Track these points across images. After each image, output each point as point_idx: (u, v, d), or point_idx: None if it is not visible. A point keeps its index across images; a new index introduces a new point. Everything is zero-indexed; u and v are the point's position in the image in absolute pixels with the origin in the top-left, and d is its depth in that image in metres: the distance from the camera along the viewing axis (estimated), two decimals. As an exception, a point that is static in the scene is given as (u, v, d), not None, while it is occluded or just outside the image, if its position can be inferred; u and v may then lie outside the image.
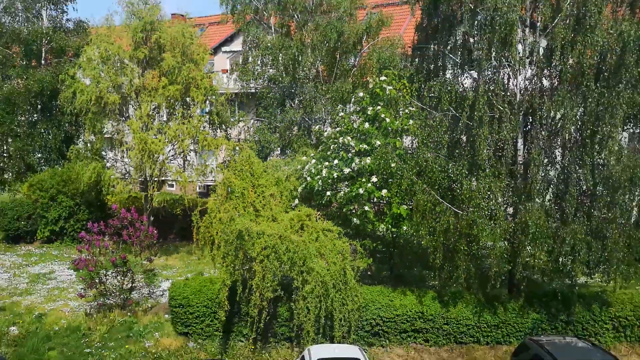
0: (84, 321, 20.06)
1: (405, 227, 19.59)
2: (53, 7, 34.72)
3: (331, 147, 21.07)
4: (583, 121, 17.66)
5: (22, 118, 33.37)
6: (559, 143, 18.34)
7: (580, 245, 17.01)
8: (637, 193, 17.53)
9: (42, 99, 33.22)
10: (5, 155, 33.42)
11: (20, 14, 33.88)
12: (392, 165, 18.65)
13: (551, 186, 18.64)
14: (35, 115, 33.84)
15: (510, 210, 18.68)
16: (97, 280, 20.19)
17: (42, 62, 34.29)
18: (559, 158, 18.60)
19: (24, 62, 34.09)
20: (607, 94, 17.06)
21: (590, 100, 17.13)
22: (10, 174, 33.77)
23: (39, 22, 34.07)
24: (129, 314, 20.35)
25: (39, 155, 33.64)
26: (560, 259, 17.54)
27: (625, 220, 17.32)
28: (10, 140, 33.20)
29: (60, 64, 32.94)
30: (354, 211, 19.98)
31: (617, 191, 17.09)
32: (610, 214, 17.38)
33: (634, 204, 17.50)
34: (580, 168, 17.58)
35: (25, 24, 33.60)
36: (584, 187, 17.91)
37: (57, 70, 32.15)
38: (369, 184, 19.35)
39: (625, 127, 18.38)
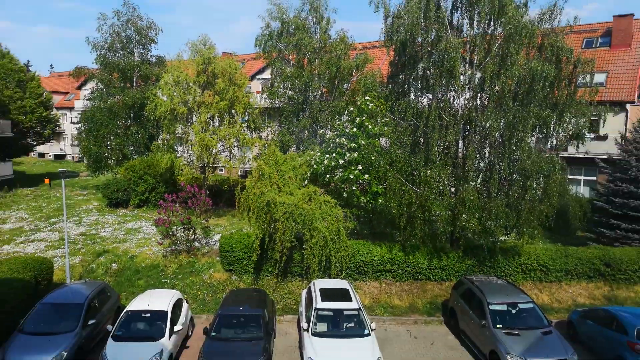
0: (162, 261, 19.87)
1: (380, 200, 19.42)
2: (141, 47, 34.16)
3: (331, 145, 20.85)
4: (504, 129, 17.35)
5: (120, 123, 33.05)
6: (487, 144, 18.01)
7: (501, 214, 16.77)
8: (540, 179, 17.18)
9: (133, 110, 32.87)
10: (109, 148, 33.12)
11: (119, 51, 33.35)
12: (372, 157, 18.49)
13: (481, 173, 18.32)
14: (129, 120, 33.47)
15: (453, 189, 18.37)
16: (170, 233, 19.97)
17: (134, 84, 33.86)
18: (487, 154, 18.26)
19: (122, 85, 33.65)
20: (521, 110, 16.79)
21: (509, 114, 16.85)
22: (113, 161, 33.53)
23: (132, 57, 33.56)
24: (192, 256, 20.13)
25: (132, 148, 33.35)
26: (487, 224, 17.24)
27: (532, 197, 16.97)
28: (112, 137, 32.90)
29: (146, 86, 32.52)
30: (345, 189, 19.81)
31: (528, 178, 16.75)
32: (521, 193, 17.07)
33: (538, 186, 17.14)
34: (501, 161, 17.25)
35: (123, 59, 33.10)
36: (504, 175, 17.56)
37: (144, 90, 31.76)
38: (356, 171, 19.18)
39: (533, 134, 17.99)
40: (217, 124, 27.92)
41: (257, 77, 42.55)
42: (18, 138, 40.55)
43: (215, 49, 27.65)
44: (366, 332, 13.37)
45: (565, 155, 22.58)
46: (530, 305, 14.36)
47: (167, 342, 12.80)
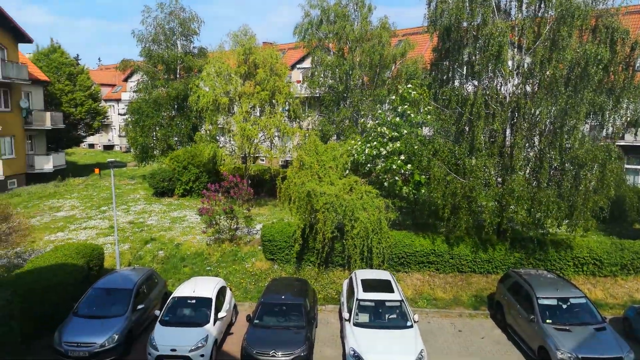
0: (205, 249, 20.35)
1: (423, 191, 19.12)
2: (184, 39, 34.83)
3: (372, 134, 20.63)
4: (555, 116, 16.67)
5: (165, 114, 33.88)
6: (536, 132, 17.37)
7: (552, 206, 16.20)
8: (594, 169, 16.40)
9: (177, 101, 33.65)
10: (154, 138, 34.08)
11: (162, 44, 34.10)
12: (415, 147, 18.20)
13: (530, 163, 17.69)
14: (173, 112, 34.30)
15: (500, 179, 17.85)
16: (213, 222, 20.41)
17: (177, 76, 34.65)
18: (536, 143, 17.61)
19: (166, 77, 34.50)
20: (574, 96, 16.08)
21: (561, 100, 16.16)
22: (158, 151, 34.50)
23: (175, 49, 34.28)
24: (234, 245, 20.52)
25: (176, 138, 34.20)
26: (537, 215, 16.67)
27: (585, 188, 16.25)
28: (157, 128, 33.80)
29: (189, 77, 33.20)
30: (387, 179, 19.60)
31: (582, 167, 16.06)
32: (574, 183, 16.39)
33: (592, 176, 16.38)
34: (552, 150, 16.59)
35: (166, 50, 33.85)
36: (555, 164, 16.90)
37: (187, 81, 32.42)
38: (399, 161, 18.92)
39: (586, 121, 17.19)
40: (258, 114, 28.20)
41: (297, 66, 42.62)
42: (69, 129, 42.52)
43: (256, 39, 27.85)
44: (409, 323, 13.26)
45: (622, 143, 21.51)
46: (583, 301, 13.80)
47: (211, 328, 13.14)
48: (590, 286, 17.40)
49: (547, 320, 13.12)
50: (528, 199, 16.38)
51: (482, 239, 18.26)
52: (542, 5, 16.92)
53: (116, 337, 12.75)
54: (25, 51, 41.71)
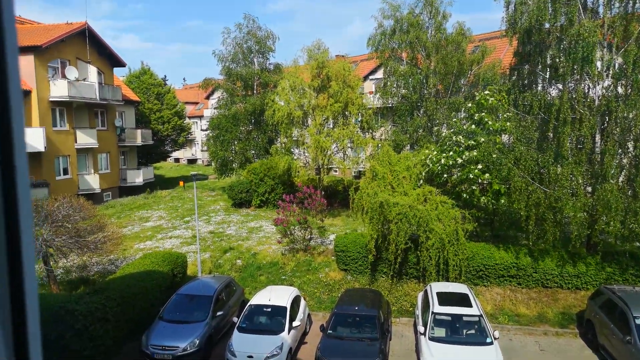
0: (280, 258, 20.81)
1: (502, 201, 18.25)
2: (260, 56, 36.16)
3: (447, 143, 20.09)
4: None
5: (243, 128, 35.21)
6: (630, 137, 15.99)
7: (649, 217, 14.77)
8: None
9: (254, 116, 34.84)
10: (233, 152, 35.51)
11: (241, 62, 35.64)
12: (494, 156, 17.42)
13: (624, 170, 16.30)
14: (250, 126, 35.58)
15: (589, 189, 16.61)
16: (288, 232, 20.85)
17: (254, 92, 35.95)
18: (630, 149, 16.21)
19: (244, 92, 35.94)
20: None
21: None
22: (236, 164, 35.85)
23: (252, 66, 35.66)
24: (308, 255, 20.81)
25: (253, 151, 35.38)
26: (632, 226, 15.29)
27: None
28: (236, 142, 35.20)
29: (265, 93, 34.30)
30: (464, 189, 18.96)
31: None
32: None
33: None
34: (649, 156, 15.20)
35: (244, 68, 35.29)
36: (653, 171, 15.45)
37: (263, 96, 33.52)
38: (476, 170, 18.23)
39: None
40: (331, 125, 28.53)
41: (370, 77, 42.65)
42: (157, 145, 45.63)
43: (329, 53, 28.31)
44: (488, 340, 12.65)
45: None
46: (688, 322, 12.41)
47: (286, 336, 13.38)
48: (699, 307, 15.56)
49: (646, 343, 11.92)
50: (622, 209, 15.08)
51: (570, 252, 17.07)
52: (635, 1, 15.66)
53: (197, 341, 13.38)
54: (119, 74, 45.60)
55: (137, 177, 38.00)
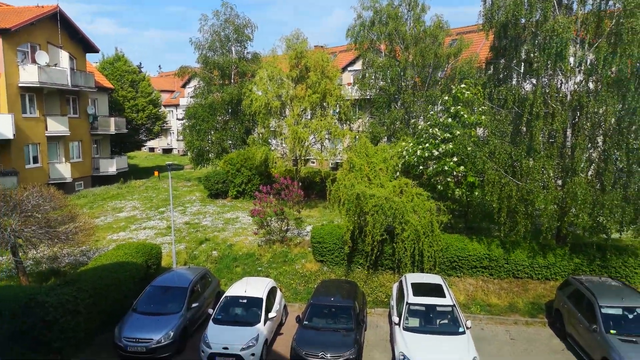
0: (257, 250, 20.75)
1: (476, 193, 18.58)
2: (238, 45, 35.73)
3: (423, 136, 20.29)
4: (621, 115, 15.68)
5: (220, 118, 34.87)
6: (600, 132, 16.41)
7: (616, 209, 15.27)
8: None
9: (231, 105, 34.50)
10: (210, 142, 35.13)
11: (218, 50, 35.15)
12: (469, 148, 17.70)
13: (593, 164, 16.75)
14: (227, 115, 35.22)
15: (559, 182, 17.03)
16: (265, 224, 20.81)
17: (232, 81, 35.55)
18: (600, 143, 16.66)
19: (221, 82, 35.51)
20: (643, 93, 15.00)
21: (629, 98, 15.13)
22: (213, 154, 35.51)
23: (230, 55, 35.23)
24: (285, 246, 20.80)
25: (230, 142, 35.10)
26: (600, 219, 15.76)
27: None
28: (212, 132, 34.84)
29: (243, 82, 33.99)
30: (439, 181, 19.21)
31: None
32: (641, 186, 15.38)
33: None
34: (617, 151, 15.63)
35: (221, 57, 34.82)
36: (621, 166, 15.90)
37: (240, 86, 33.21)
38: (451, 162, 18.48)
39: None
40: (309, 116, 28.47)
41: (349, 68, 42.66)
42: (131, 134, 44.75)
43: (308, 43, 28.17)
44: (461, 329, 12.91)
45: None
46: (652, 311, 12.89)
47: (262, 328, 13.39)
48: (661, 296, 16.20)
49: (611, 331, 12.36)
50: (590, 202, 15.51)
51: (540, 243, 17.52)
52: (607, -2, 16.01)
53: (172, 334, 13.26)
54: (92, 60, 44.42)
55: (111, 166, 37.27)
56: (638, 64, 15.32)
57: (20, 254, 15.89)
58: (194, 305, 14.51)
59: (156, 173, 40.66)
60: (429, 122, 20.80)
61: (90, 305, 13.55)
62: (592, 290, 13.73)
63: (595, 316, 12.89)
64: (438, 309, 13.60)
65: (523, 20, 17.17)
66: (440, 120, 20.01)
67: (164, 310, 14.01)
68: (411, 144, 20.55)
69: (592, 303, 13.29)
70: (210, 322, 13.69)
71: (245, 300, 14.27)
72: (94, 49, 35.96)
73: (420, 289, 14.32)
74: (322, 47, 34.74)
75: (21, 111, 29.08)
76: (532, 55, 17.27)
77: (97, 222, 25.05)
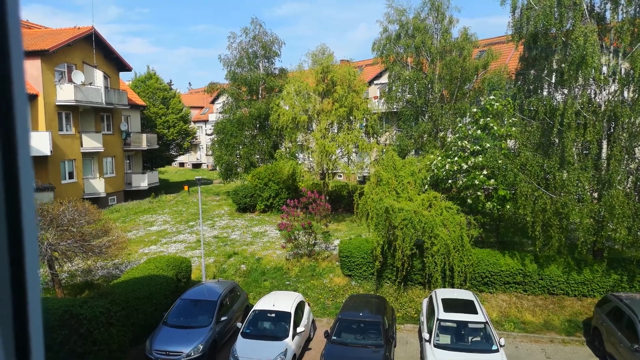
0: (285, 264, 20.77)
1: (508, 207, 18.15)
2: (266, 61, 36.26)
3: (452, 149, 20.06)
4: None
5: (248, 132, 35.25)
6: (638, 142, 15.88)
7: (657, 223, 14.65)
8: None
9: (259, 120, 34.86)
10: (238, 156, 35.54)
11: (246, 66, 35.73)
12: (499, 161, 17.38)
13: (631, 176, 16.21)
14: (255, 130, 35.60)
15: (595, 195, 16.52)
16: (292, 237, 20.80)
17: (259, 96, 36.02)
18: (637, 154, 16.12)
19: (249, 97, 36.00)
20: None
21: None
22: (241, 168, 35.87)
23: (257, 70, 35.75)
24: (312, 260, 20.76)
25: (258, 156, 35.42)
26: (639, 233, 15.18)
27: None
28: (241, 147, 35.24)
29: (270, 97, 34.35)
30: (469, 194, 18.89)
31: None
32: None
33: None
34: (657, 162, 15.10)
35: (249, 73, 35.36)
36: (660, 178, 15.35)
37: (268, 101, 33.55)
38: (481, 176, 18.17)
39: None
40: (335, 130, 28.56)
41: (375, 82, 42.71)
42: (162, 149, 45.78)
43: (334, 57, 28.40)
44: (494, 347, 12.55)
45: None
46: (698, 331, 12.26)
47: (290, 342, 13.33)
48: None
49: (655, 351, 11.81)
50: (629, 215, 14.97)
51: (576, 258, 16.96)
52: (641, 5, 15.62)
53: (201, 347, 13.35)
54: (125, 78, 45.89)
55: (142, 181, 38.13)
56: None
57: (56, 267, 16.36)
58: (223, 318, 14.60)
59: (186, 187, 41.22)
60: (457, 135, 20.57)
61: (123, 318, 13.80)
62: (632, 308, 13.17)
63: (636, 335, 12.35)
64: (470, 325, 13.29)
65: (553, 30, 16.90)
66: (469, 132, 19.77)
67: (194, 323, 14.14)
68: (439, 157, 20.32)
69: (633, 321, 12.75)
70: (239, 335, 13.73)
71: (273, 315, 14.27)
72: (126, 68, 37.14)
73: (451, 305, 14.03)
74: (348, 61, 34.89)
75: (58, 128, 30.18)
76: (562, 65, 16.96)
77: (129, 235, 25.58)
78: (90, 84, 32.23)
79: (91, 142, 32.54)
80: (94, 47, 32.64)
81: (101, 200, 32.68)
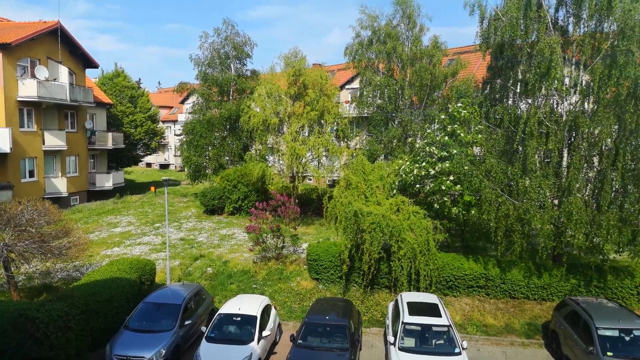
0: (252, 267, 20.63)
1: (473, 212, 18.54)
2: (237, 62, 35.99)
3: (420, 154, 20.38)
4: (618, 135, 15.82)
5: (217, 134, 34.90)
6: (596, 152, 16.52)
7: (613, 230, 15.27)
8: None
9: (229, 122, 34.55)
10: (207, 158, 35.12)
11: (217, 67, 35.37)
12: (465, 167, 17.79)
13: (589, 184, 16.84)
14: (225, 132, 35.29)
15: (556, 202, 17.07)
16: (260, 241, 20.71)
17: (230, 97, 35.73)
18: (596, 163, 16.76)
19: (219, 98, 35.65)
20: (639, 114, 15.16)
21: (627, 119, 15.25)
22: (210, 170, 35.46)
23: (229, 71, 35.45)
24: (280, 263, 20.69)
25: (227, 158, 35.10)
26: (596, 240, 15.77)
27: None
28: (210, 148, 34.85)
29: (241, 99, 34.15)
30: (435, 199, 19.22)
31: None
32: (638, 207, 15.40)
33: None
34: (613, 171, 15.71)
35: (221, 73, 35.02)
36: (617, 186, 15.97)
37: (239, 102, 33.34)
38: (448, 181, 18.52)
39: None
40: (306, 133, 28.60)
41: (347, 86, 43.03)
42: (129, 149, 44.80)
43: (306, 61, 28.44)
44: (457, 350, 12.79)
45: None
46: (649, 333, 12.81)
47: (256, 346, 13.23)
48: (658, 318, 16.11)
49: (608, 353, 12.27)
50: (587, 222, 15.54)
51: (537, 263, 17.48)
52: (602, 20, 16.26)
53: (164, 351, 13.09)
54: (91, 76, 44.68)
55: (107, 181, 37.19)
56: (634, 86, 15.49)
57: (12, 268, 15.75)
58: (187, 322, 14.36)
59: (152, 188, 40.30)
60: (426, 141, 20.92)
61: (82, 322, 13.38)
62: (588, 312, 13.67)
63: (592, 338, 12.80)
64: (434, 328, 13.50)
65: (519, 41, 17.42)
66: (437, 138, 20.14)
67: (157, 327, 13.86)
68: (408, 162, 20.61)
69: (588, 324, 13.22)
70: (203, 340, 13.54)
71: (239, 318, 14.14)
72: (93, 65, 36.20)
73: (416, 309, 14.23)
74: (320, 65, 34.96)
75: (19, 125, 29.16)
76: (527, 75, 17.49)
77: (91, 237, 24.91)
78: (55, 80, 31.28)
79: (54, 140, 31.56)
80: (59, 43, 31.71)
81: (63, 200, 31.71)
